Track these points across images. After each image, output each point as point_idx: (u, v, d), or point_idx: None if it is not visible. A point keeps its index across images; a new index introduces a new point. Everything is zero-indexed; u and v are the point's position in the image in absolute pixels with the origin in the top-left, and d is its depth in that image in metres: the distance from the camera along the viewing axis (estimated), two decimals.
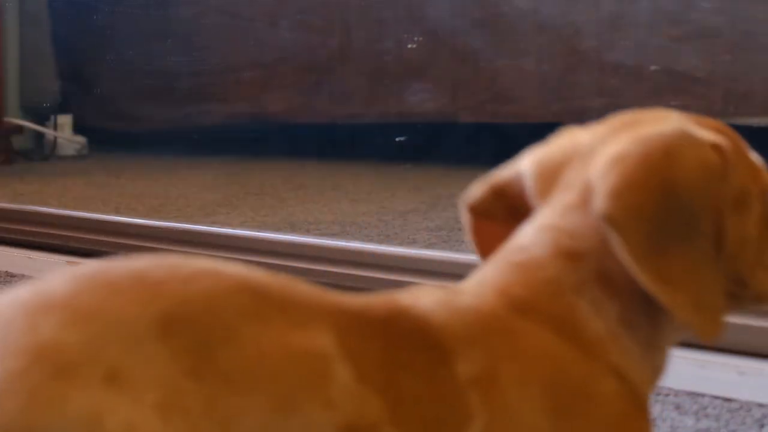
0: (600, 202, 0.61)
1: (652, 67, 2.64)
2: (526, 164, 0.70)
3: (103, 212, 2.13)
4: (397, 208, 2.42)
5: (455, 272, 1.25)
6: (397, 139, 3.26)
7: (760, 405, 1.17)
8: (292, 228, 2.09)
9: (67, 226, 1.87)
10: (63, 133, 3.87)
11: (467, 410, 0.55)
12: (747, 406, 1.17)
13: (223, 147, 3.70)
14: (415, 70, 3.12)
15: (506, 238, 0.68)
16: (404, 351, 0.55)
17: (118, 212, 2.27)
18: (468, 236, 0.74)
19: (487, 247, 0.72)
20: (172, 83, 3.73)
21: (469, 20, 2.99)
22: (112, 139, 3.91)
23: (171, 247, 1.70)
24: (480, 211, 0.73)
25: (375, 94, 3.21)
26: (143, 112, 3.81)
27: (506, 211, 0.71)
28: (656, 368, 0.65)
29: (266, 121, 3.57)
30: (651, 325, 0.64)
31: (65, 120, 3.89)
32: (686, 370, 1.19)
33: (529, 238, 0.65)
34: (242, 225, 2.15)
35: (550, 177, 0.68)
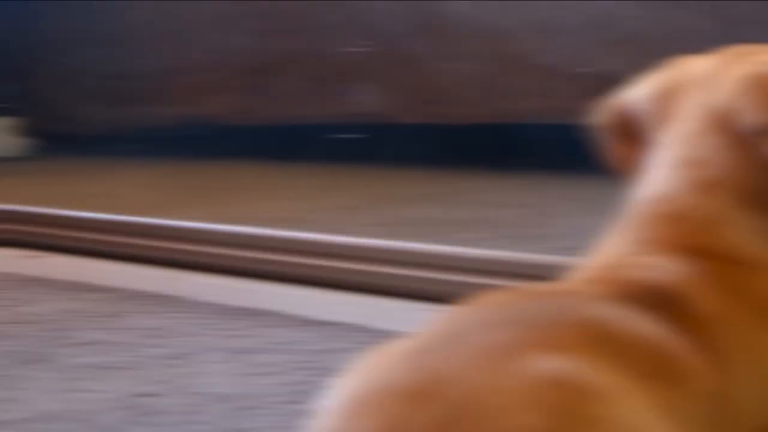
0: (752, 116, 0.71)
1: (579, 70, 2.75)
2: (641, 91, 0.81)
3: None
4: (339, 205, 2.48)
5: (412, 261, 1.32)
6: (344, 137, 3.32)
7: None
8: (242, 223, 2.14)
9: (20, 221, 1.92)
10: (4, 135, 3.91)
11: None
12: None
13: (165, 148, 3.73)
14: (358, 72, 3.20)
15: (632, 155, 0.78)
16: None
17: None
18: (606, 155, 0.84)
19: (620, 163, 0.82)
20: (115, 86, 3.77)
21: (411, 25, 3.08)
22: (55, 141, 3.94)
23: (128, 240, 1.77)
24: (610, 131, 0.83)
25: (318, 96, 3.28)
26: (85, 115, 3.85)
27: (623, 130, 0.82)
28: None
29: (207, 124, 3.61)
30: None
31: (6, 122, 3.93)
32: None
33: (665, 183, 0.74)
34: (192, 220, 2.20)
35: (665, 104, 0.78)
